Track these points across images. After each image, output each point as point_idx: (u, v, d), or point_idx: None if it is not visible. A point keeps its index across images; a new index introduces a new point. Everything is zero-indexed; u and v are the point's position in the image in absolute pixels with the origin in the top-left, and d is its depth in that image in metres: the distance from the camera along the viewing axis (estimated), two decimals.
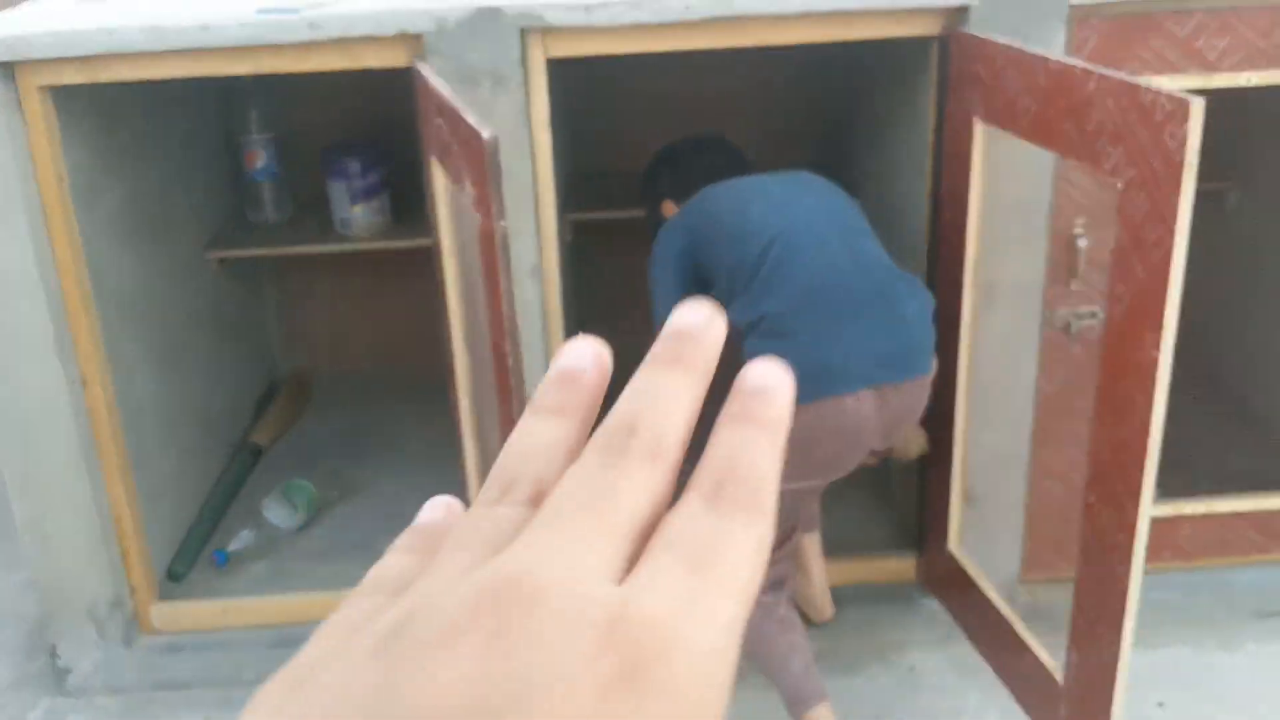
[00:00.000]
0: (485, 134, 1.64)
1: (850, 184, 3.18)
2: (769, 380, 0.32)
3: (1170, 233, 1.61)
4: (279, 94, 3.10)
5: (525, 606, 0.26)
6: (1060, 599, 2.44)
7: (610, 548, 0.28)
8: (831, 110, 3.32)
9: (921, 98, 2.36)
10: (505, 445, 0.32)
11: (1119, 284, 1.74)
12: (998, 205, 2.23)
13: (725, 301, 2.09)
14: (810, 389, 1.96)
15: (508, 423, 1.83)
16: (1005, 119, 2.01)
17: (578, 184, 3.29)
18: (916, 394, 2.08)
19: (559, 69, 2.36)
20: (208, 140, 3.12)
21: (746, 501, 0.29)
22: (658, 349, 0.32)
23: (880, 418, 2.04)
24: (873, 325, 2.03)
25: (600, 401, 0.33)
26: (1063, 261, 2.31)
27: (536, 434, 0.32)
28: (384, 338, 3.59)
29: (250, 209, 3.20)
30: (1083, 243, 2.29)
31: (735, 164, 2.39)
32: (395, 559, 0.33)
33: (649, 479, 0.29)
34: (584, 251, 3.35)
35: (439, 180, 2.07)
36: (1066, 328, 2.37)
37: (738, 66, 3.09)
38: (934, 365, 2.10)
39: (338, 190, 3.08)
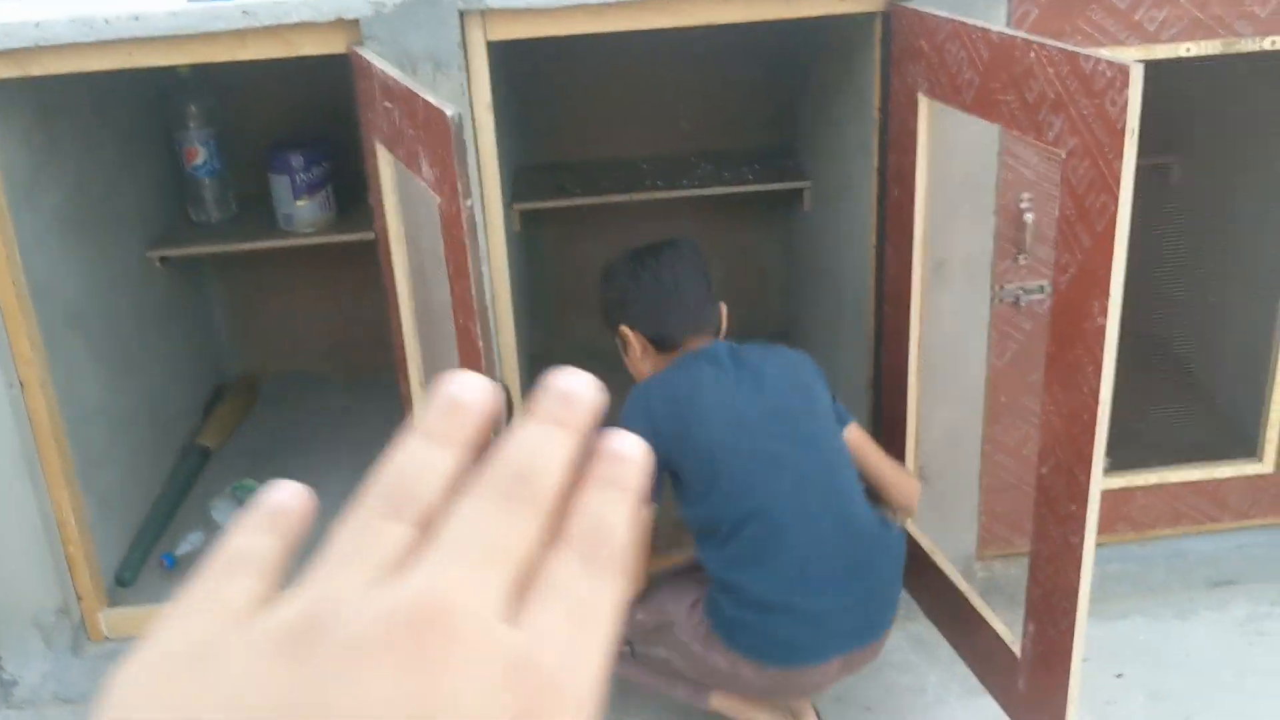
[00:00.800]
0: (449, 111, 1.60)
1: (803, 167, 3.19)
2: (629, 451, 0.35)
3: (1114, 200, 1.61)
4: (218, 88, 3.05)
5: (440, 635, 0.29)
6: (1017, 574, 2.45)
7: (504, 586, 0.31)
8: (781, 91, 3.31)
9: (866, 74, 2.36)
10: (389, 460, 0.34)
11: (1065, 254, 1.74)
12: (945, 181, 2.23)
13: (694, 530, 2.07)
14: (780, 657, 2.02)
15: None
16: (949, 93, 2.01)
17: (527, 174, 3.27)
18: (879, 648, 2.13)
19: (507, 57, 2.33)
20: (148, 137, 3.06)
21: (614, 566, 0.33)
22: (545, 405, 0.35)
23: (840, 675, 2.10)
24: (852, 599, 2.02)
25: (487, 438, 0.35)
26: (1010, 236, 2.32)
27: (423, 458, 0.34)
28: (333, 333, 3.54)
29: (192, 207, 3.14)
30: (1029, 217, 2.30)
31: (691, 285, 2.11)
32: (249, 539, 0.35)
33: (534, 527, 0.33)
34: (533, 242, 3.34)
35: (385, 167, 2.04)
36: (1015, 302, 2.38)
37: (687, 49, 3.08)
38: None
39: (281, 185, 3.03)
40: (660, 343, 2.09)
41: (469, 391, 0.35)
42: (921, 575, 2.42)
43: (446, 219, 1.67)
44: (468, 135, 2.14)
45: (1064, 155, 1.71)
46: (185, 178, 3.11)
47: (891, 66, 2.20)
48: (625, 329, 2.12)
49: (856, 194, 2.53)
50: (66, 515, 2.39)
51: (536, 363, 3.46)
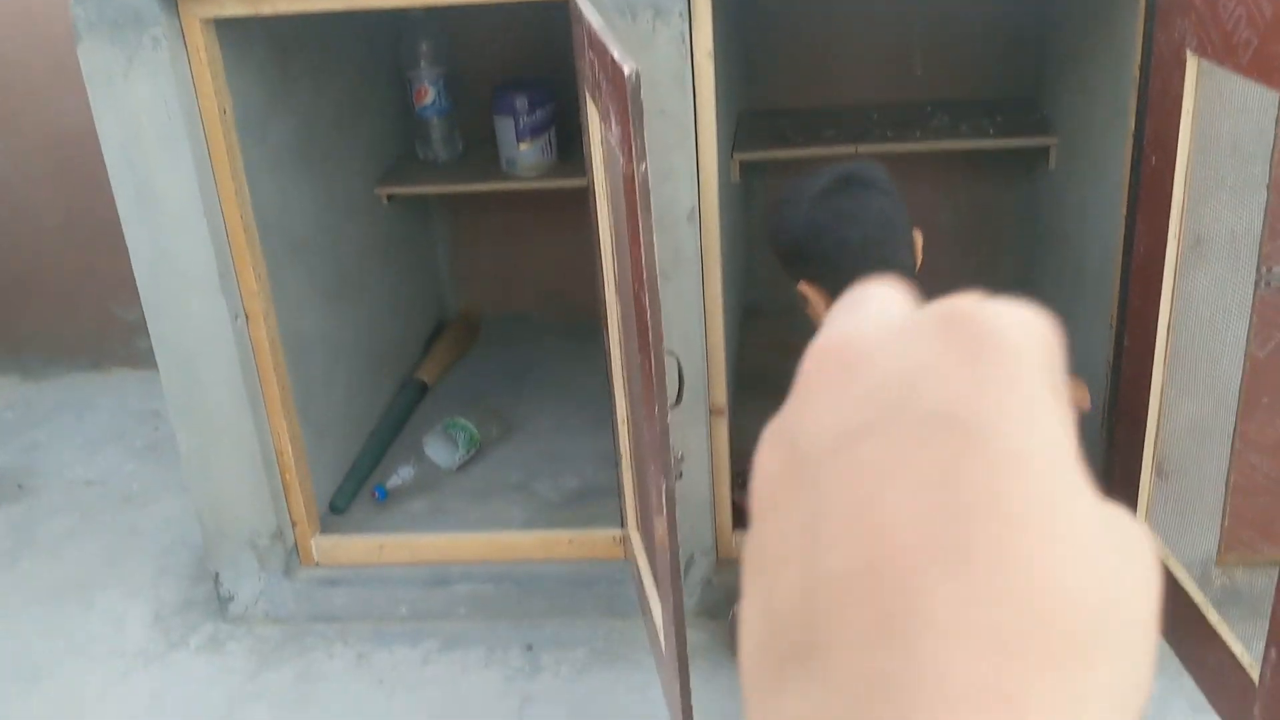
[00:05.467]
0: (627, 69, 1.52)
1: (1048, 121, 2.96)
2: None
3: None
4: (449, 29, 3.06)
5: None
6: (1263, 584, 2.23)
7: None
8: (1026, 36, 3.07)
9: (1127, 27, 2.14)
10: None
11: None
12: (1210, 149, 2.00)
13: None
14: None
15: (648, 374, 1.73)
16: (1222, 53, 1.78)
17: (749, 122, 3.15)
18: None
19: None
20: (380, 75, 3.11)
21: None
22: None
23: None
24: None
25: None
26: None
27: None
28: (550, 277, 3.54)
29: (420, 145, 3.18)
30: None
31: (878, 232, 1.69)
32: None
33: None
34: (753, 192, 3.23)
35: (592, 118, 1.98)
36: None
37: None
38: None
39: (505, 127, 3.03)
40: None
41: None
42: None
43: (625, 182, 1.59)
44: (680, 88, 2.05)
45: None
46: (414, 116, 3.15)
47: (1156, 19, 1.97)
48: (804, 286, 1.79)
49: (1107, 158, 2.31)
50: (284, 444, 2.47)
51: (751, 316, 3.37)
